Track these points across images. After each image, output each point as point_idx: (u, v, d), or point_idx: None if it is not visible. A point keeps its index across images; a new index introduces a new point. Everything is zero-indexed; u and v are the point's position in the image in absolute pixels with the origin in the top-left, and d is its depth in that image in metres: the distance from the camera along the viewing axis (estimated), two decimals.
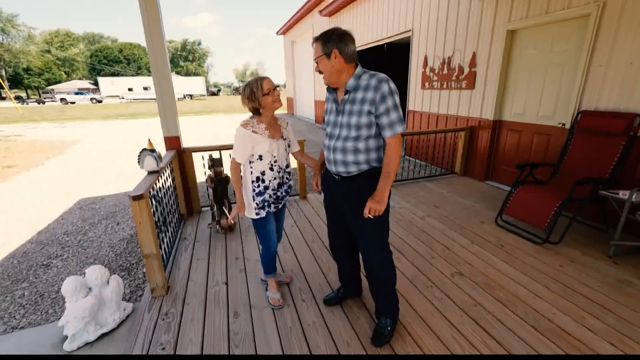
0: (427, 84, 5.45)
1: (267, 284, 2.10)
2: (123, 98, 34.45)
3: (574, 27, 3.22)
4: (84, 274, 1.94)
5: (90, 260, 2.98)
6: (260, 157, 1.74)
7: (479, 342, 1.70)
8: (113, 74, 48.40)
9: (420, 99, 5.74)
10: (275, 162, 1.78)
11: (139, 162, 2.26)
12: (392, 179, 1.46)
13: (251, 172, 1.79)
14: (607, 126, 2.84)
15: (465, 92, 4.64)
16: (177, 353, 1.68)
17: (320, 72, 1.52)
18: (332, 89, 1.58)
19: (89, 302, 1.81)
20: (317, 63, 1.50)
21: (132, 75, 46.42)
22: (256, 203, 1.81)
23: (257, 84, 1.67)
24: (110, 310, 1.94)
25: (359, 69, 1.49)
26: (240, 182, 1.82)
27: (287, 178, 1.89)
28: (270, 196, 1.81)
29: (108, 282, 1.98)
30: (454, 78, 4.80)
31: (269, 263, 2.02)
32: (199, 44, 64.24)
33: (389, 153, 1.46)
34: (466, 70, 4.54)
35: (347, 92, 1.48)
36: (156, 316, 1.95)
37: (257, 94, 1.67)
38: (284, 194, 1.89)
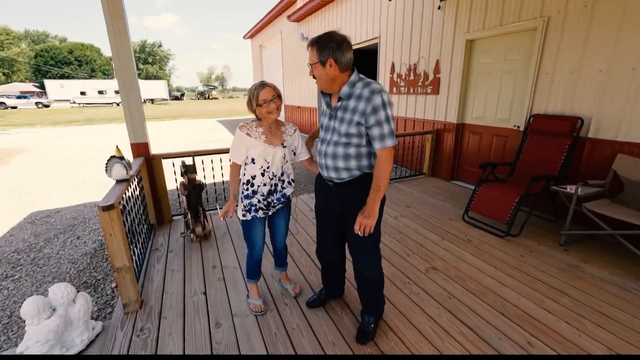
0: (395, 89, 5.69)
1: (249, 291, 2.06)
2: (74, 102, 31.85)
3: (524, 39, 3.56)
4: (47, 292, 1.78)
5: (48, 279, 2.73)
6: (253, 161, 1.73)
7: (456, 332, 1.81)
8: (62, 77, 44.62)
9: None
10: (268, 168, 1.75)
11: (106, 170, 2.12)
12: (382, 192, 1.42)
13: (244, 174, 1.79)
14: (555, 128, 3.16)
15: (431, 97, 4.91)
16: None
17: (314, 77, 1.48)
18: (326, 93, 1.55)
19: (53, 322, 1.66)
20: (311, 67, 1.46)
21: (85, 78, 43.13)
22: (243, 205, 1.80)
23: (255, 94, 1.64)
24: (77, 330, 1.79)
25: (354, 76, 1.44)
26: (234, 182, 1.84)
27: (282, 186, 1.85)
28: (259, 201, 1.79)
29: (74, 300, 1.83)
30: (419, 84, 5.07)
31: (252, 268, 1.99)
32: (160, 45, 61.36)
33: (378, 166, 1.41)
34: (431, 77, 4.81)
35: (340, 99, 1.45)
36: (130, 333, 1.84)
37: (252, 103, 1.67)
38: (275, 202, 1.84)
